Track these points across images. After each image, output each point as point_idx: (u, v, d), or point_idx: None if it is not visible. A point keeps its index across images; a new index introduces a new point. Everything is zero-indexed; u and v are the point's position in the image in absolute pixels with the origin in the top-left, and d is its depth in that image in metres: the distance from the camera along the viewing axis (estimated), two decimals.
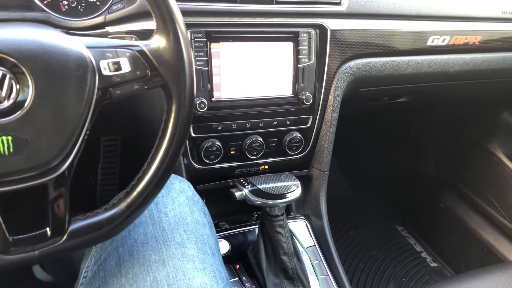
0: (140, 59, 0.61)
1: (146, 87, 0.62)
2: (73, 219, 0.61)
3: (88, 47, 0.58)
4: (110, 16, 0.95)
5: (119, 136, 1.49)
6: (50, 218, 0.58)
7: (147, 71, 0.61)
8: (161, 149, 0.63)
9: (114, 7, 0.96)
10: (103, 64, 0.58)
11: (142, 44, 0.61)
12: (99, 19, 0.94)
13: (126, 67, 0.59)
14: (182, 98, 0.63)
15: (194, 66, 0.65)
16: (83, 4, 0.96)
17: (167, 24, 0.61)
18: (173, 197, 0.86)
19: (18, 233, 0.57)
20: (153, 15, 0.62)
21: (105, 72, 0.58)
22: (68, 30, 0.90)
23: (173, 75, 0.62)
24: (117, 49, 0.60)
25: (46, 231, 0.59)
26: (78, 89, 0.56)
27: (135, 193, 0.63)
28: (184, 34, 0.62)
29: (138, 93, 0.62)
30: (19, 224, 0.57)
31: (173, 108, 0.63)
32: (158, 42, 0.62)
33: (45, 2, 0.93)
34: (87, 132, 0.59)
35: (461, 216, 1.95)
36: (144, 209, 0.66)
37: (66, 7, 0.95)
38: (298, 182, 1.09)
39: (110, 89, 0.59)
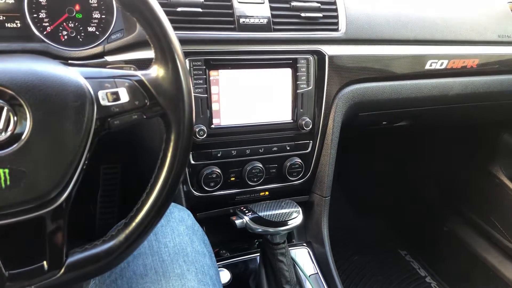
0: (138, 89, 0.61)
1: (144, 117, 0.61)
2: (71, 252, 0.60)
3: (86, 78, 0.58)
4: (109, 46, 0.95)
5: (119, 164, 1.49)
6: (47, 251, 0.57)
7: (146, 101, 0.61)
8: (159, 179, 0.63)
9: (113, 37, 0.97)
10: (102, 94, 0.58)
11: (140, 74, 0.61)
12: (98, 49, 0.95)
13: (124, 97, 0.59)
14: (181, 127, 0.63)
15: (193, 95, 0.65)
16: (83, 34, 0.97)
17: (165, 53, 0.61)
18: (172, 226, 0.84)
19: (14, 267, 0.56)
20: (151, 45, 0.62)
21: (104, 102, 0.58)
22: (67, 60, 0.91)
23: (172, 104, 0.62)
24: (115, 79, 0.60)
25: (43, 265, 0.57)
26: (76, 120, 0.56)
27: (133, 224, 0.62)
28: (182, 63, 0.62)
29: (137, 122, 0.61)
30: (15, 258, 0.56)
31: (172, 137, 0.63)
32: (157, 71, 0.62)
33: (45, 33, 0.94)
34: (86, 162, 0.58)
35: (465, 239, 1.93)
36: (143, 240, 0.65)
37: (66, 37, 0.96)
38: (299, 209, 1.08)
39: (109, 119, 0.59)
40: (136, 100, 0.60)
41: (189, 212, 0.94)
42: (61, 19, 0.95)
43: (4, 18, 0.91)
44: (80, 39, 0.97)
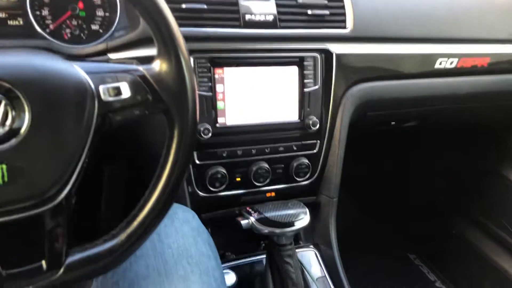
0: (141, 83, 0.59)
1: (147, 113, 0.60)
2: (71, 251, 0.58)
3: (87, 72, 0.56)
4: (112, 43, 0.94)
5: (122, 162, 1.48)
6: (46, 250, 0.56)
7: (148, 96, 0.59)
8: (162, 177, 0.61)
9: (116, 34, 0.96)
10: (103, 89, 0.56)
11: (143, 68, 0.60)
12: (101, 46, 0.94)
13: (126, 92, 0.58)
14: (184, 123, 0.61)
15: (197, 91, 0.63)
16: (86, 32, 0.96)
17: (168, 47, 0.60)
18: (176, 227, 0.83)
19: (12, 266, 0.55)
20: (154, 39, 0.60)
21: (105, 97, 0.56)
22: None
23: (175, 100, 0.60)
24: (117, 74, 0.58)
25: (41, 265, 0.56)
26: (77, 115, 0.54)
27: (135, 223, 0.60)
28: (186, 57, 0.61)
29: (139, 119, 0.60)
30: (13, 257, 0.55)
31: (175, 134, 0.61)
32: (160, 66, 0.60)
33: (48, 30, 0.92)
34: (86, 160, 0.56)
35: (475, 243, 1.90)
36: (145, 240, 0.63)
37: (69, 35, 0.95)
38: (306, 210, 1.06)
39: (110, 115, 0.57)
40: (138, 95, 0.58)
41: (193, 213, 0.93)
42: (64, 17, 0.94)
43: (7, 15, 0.90)
44: (83, 37, 0.96)
